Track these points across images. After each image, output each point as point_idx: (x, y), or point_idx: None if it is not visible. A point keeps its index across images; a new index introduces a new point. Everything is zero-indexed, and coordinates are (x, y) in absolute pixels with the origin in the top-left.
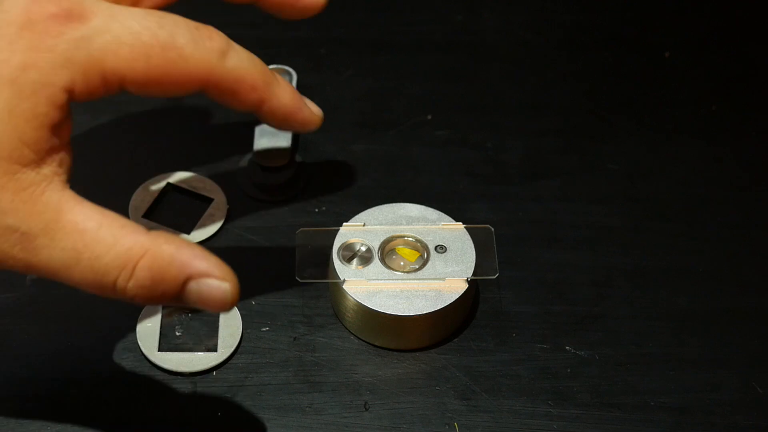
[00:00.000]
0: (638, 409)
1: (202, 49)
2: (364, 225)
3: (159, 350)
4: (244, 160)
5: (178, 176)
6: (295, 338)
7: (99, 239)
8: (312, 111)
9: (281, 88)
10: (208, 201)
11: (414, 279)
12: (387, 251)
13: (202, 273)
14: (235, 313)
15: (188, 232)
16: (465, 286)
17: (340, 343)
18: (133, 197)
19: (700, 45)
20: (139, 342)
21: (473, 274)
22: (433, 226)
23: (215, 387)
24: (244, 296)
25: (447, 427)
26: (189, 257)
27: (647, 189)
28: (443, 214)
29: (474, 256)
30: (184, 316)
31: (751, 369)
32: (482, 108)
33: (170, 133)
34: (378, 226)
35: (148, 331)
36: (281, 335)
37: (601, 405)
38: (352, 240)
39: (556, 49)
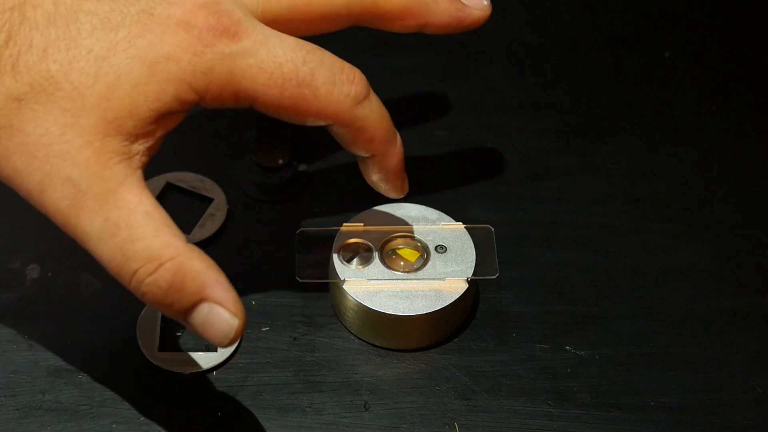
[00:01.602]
0: (638, 409)
1: (338, 93)
2: (364, 225)
3: (159, 350)
4: (244, 160)
5: (178, 176)
6: (295, 338)
7: (141, 225)
8: (403, 184)
9: (395, 148)
10: (208, 201)
11: (414, 279)
12: (387, 251)
13: (219, 300)
14: None
15: (188, 232)
16: (465, 286)
17: (340, 343)
18: None
19: (700, 45)
20: (139, 342)
21: (473, 274)
22: (433, 226)
23: (215, 387)
24: (244, 296)
25: (447, 427)
26: (214, 281)
27: (647, 189)
28: (443, 214)
29: (474, 256)
30: None
31: (751, 369)
32: (482, 108)
33: (170, 133)
34: (378, 226)
35: (148, 331)
36: (281, 335)
37: (601, 405)
38: (352, 240)
39: (556, 49)
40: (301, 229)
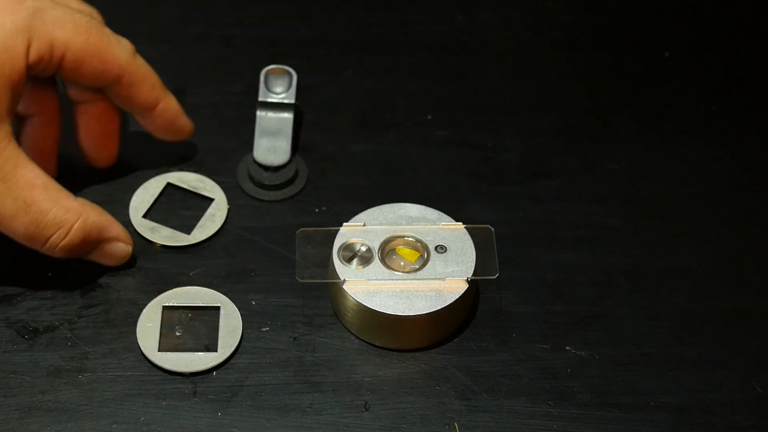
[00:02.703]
0: (638, 409)
1: (122, 43)
2: (364, 225)
3: (159, 350)
4: (244, 160)
5: (178, 176)
6: (295, 338)
7: (45, 197)
8: (188, 120)
9: (170, 94)
10: (209, 201)
11: (414, 279)
12: (387, 251)
13: (115, 237)
14: (235, 313)
15: (188, 232)
16: (465, 286)
17: (340, 343)
18: (134, 197)
19: (700, 45)
20: (139, 342)
21: (473, 274)
22: (433, 226)
23: (215, 387)
24: (244, 296)
25: (447, 427)
26: (108, 224)
27: (647, 189)
28: (443, 214)
29: (474, 256)
30: (184, 316)
31: (751, 369)
32: (482, 108)
33: None
34: (378, 226)
35: (148, 331)
36: (281, 335)
37: (601, 405)
38: (352, 240)
39: (556, 49)
40: (301, 229)
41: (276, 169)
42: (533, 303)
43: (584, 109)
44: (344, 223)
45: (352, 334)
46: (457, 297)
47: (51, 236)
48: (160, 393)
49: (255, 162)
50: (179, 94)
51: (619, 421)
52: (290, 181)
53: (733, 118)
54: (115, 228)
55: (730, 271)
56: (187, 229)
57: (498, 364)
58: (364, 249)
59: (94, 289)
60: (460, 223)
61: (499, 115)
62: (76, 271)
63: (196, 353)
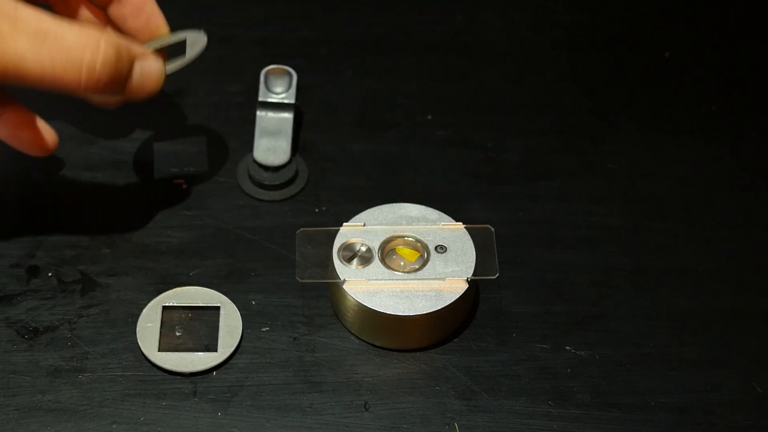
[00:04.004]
0: (638, 409)
1: None
2: (364, 225)
3: (159, 350)
4: (244, 160)
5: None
6: (295, 338)
7: (56, 24)
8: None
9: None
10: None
11: (414, 279)
12: (387, 251)
13: (143, 54)
14: (235, 313)
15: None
16: (465, 286)
17: (340, 343)
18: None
19: (700, 45)
20: (139, 342)
21: (473, 274)
22: (433, 226)
23: (215, 387)
24: (244, 296)
25: (447, 427)
26: (129, 43)
27: (647, 189)
28: (443, 214)
29: (474, 256)
30: (184, 316)
31: (751, 369)
32: (482, 108)
33: (170, 134)
34: (378, 226)
35: (148, 331)
36: (281, 335)
37: (601, 405)
38: (352, 240)
39: (556, 49)
40: (302, 229)
41: (276, 169)
42: (533, 303)
43: (584, 109)
44: (344, 223)
45: (352, 334)
46: (457, 297)
47: (83, 58)
48: (160, 393)
49: (255, 162)
50: (179, 94)
51: (619, 421)
52: (290, 181)
53: (733, 118)
54: (138, 47)
55: (730, 271)
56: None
57: (498, 364)
58: (364, 249)
59: (94, 289)
60: (460, 223)
61: (499, 115)
62: (76, 270)
63: (196, 353)
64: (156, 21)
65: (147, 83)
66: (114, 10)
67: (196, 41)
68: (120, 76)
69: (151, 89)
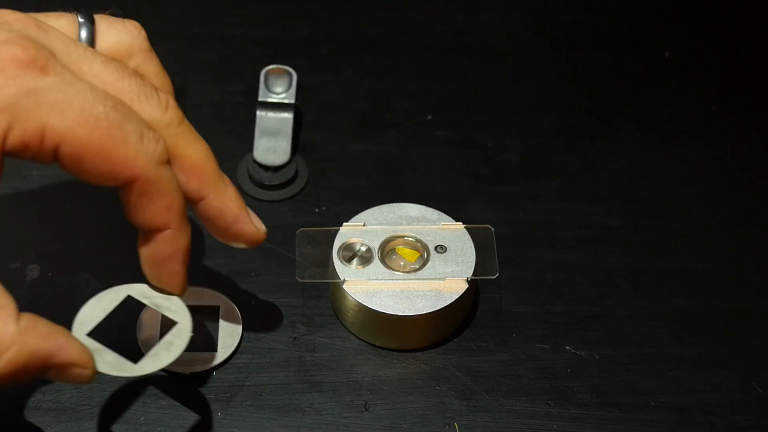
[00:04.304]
0: (638, 409)
1: (145, 146)
2: (364, 225)
3: None
4: (244, 160)
5: (141, 289)
6: (295, 338)
7: None
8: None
9: (188, 228)
10: (171, 324)
11: (414, 279)
12: (387, 251)
13: (66, 364)
14: (235, 313)
15: (135, 361)
16: (465, 286)
17: (340, 343)
18: (83, 309)
19: (700, 45)
20: (139, 342)
21: (473, 274)
22: (433, 226)
23: (215, 387)
24: (244, 296)
25: (447, 427)
26: (57, 348)
27: (647, 189)
28: (443, 214)
29: (474, 256)
30: None
31: (751, 369)
32: (482, 108)
33: None
34: (378, 226)
35: (148, 331)
36: (281, 335)
37: (601, 405)
38: (352, 240)
39: (556, 49)
40: (301, 228)
41: (276, 169)
42: (533, 303)
43: (584, 109)
44: (344, 223)
45: (352, 334)
46: (457, 297)
47: None
48: (159, 393)
49: (255, 162)
50: (179, 94)
51: (619, 421)
52: (290, 181)
53: (733, 118)
54: (68, 352)
55: (730, 271)
56: (136, 357)
57: (498, 364)
58: (364, 249)
59: (95, 289)
60: (460, 223)
61: (499, 115)
62: (76, 270)
63: (196, 353)
64: (172, 281)
65: (67, 381)
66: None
67: (173, 344)
68: (19, 381)
69: (72, 383)
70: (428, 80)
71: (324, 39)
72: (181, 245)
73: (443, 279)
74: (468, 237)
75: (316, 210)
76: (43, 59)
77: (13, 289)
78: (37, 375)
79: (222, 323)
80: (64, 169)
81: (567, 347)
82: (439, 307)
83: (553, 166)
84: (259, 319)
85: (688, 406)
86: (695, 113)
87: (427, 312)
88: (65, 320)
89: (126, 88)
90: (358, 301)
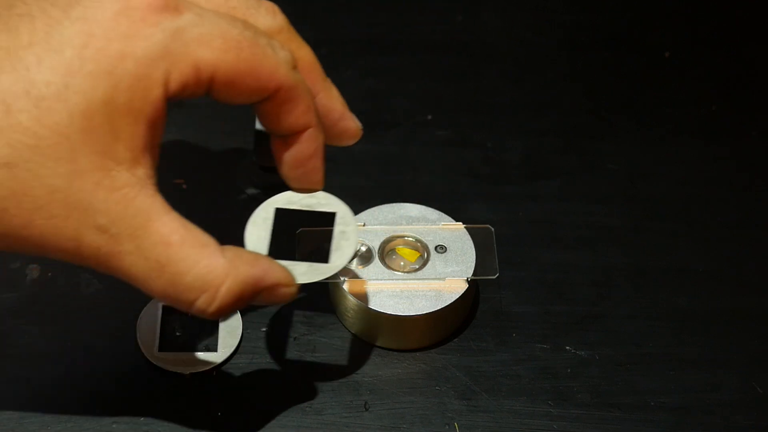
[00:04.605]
0: (638, 409)
1: (279, 55)
2: (364, 225)
3: (159, 350)
4: (244, 160)
5: (284, 198)
6: (295, 338)
7: (182, 256)
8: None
9: (321, 128)
10: (329, 216)
11: (414, 279)
12: (387, 251)
13: (273, 285)
14: (235, 313)
15: (325, 260)
16: (465, 286)
17: (340, 343)
18: (247, 236)
19: (700, 45)
20: (139, 342)
21: (473, 274)
22: (433, 226)
23: (215, 387)
24: None
25: (447, 427)
26: (263, 273)
27: (647, 189)
28: (443, 214)
29: (474, 256)
30: (184, 316)
31: (751, 369)
32: (482, 108)
33: (170, 135)
34: (378, 226)
35: (148, 331)
36: (281, 335)
37: (601, 405)
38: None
39: (556, 49)
40: (302, 228)
41: (276, 169)
42: (533, 303)
43: (584, 109)
44: None
45: (352, 334)
46: (457, 297)
47: (195, 301)
48: (159, 393)
49: (255, 162)
50: None
51: (619, 421)
52: None
53: (733, 118)
54: (273, 273)
55: (730, 271)
56: (322, 257)
57: (498, 364)
58: (364, 249)
59: (94, 289)
60: (460, 223)
61: (499, 115)
62: (76, 270)
63: (196, 353)
64: (315, 177)
65: (273, 303)
66: (283, 151)
67: (346, 232)
68: (235, 309)
69: (276, 303)
70: (428, 80)
71: (324, 39)
72: (320, 140)
73: (443, 279)
74: (468, 237)
75: None
76: (173, 0)
77: (13, 289)
78: (249, 302)
79: (222, 323)
80: (215, 97)
81: (567, 347)
82: (439, 307)
83: (553, 166)
84: (259, 319)
85: (688, 406)
86: (695, 113)
87: (427, 312)
88: (65, 320)
89: (236, 5)
90: (358, 301)
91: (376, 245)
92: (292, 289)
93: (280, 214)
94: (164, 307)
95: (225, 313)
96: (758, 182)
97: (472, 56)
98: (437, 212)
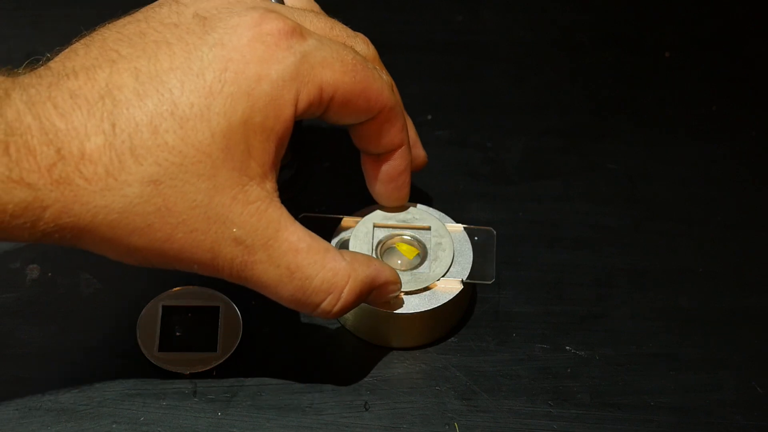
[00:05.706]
0: (638, 409)
1: (383, 78)
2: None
3: (159, 350)
4: None
5: (379, 216)
6: (295, 338)
7: (309, 261)
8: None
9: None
10: (424, 231)
11: (410, 278)
12: (385, 250)
13: (385, 283)
14: (235, 313)
15: (426, 269)
16: (459, 287)
17: (340, 343)
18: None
19: (700, 45)
20: (139, 342)
21: (468, 278)
22: (432, 226)
23: (215, 387)
24: (244, 296)
25: (447, 427)
26: (376, 274)
27: (647, 189)
28: (443, 214)
29: (471, 258)
30: (183, 316)
31: (751, 369)
32: (482, 108)
33: None
34: (377, 227)
35: (148, 331)
36: (281, 335)
37: (601, 405)
38: (350, 236)
39: (556, 49)
40: (304, 214)
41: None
42: (533, 303)
43: (584, 109)
44: (345, 217)
45: (352, 334)
46: (452, 297)
47: (321, 303)
48: (159, 393)
49: None
50: None
51: (619, 421)
52: (290, 181)
53: (733, 118)
54: (384, 273)
55: (730, 271)
56: (418, 265)
57: (498, 364)
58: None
59: (94, 289)
60: (460, 224)
61: (499, 115)
62: (75, 270)
63: (196, 353)
64: (404, 191)
65: (382, 300)
66: (374, 168)
67: (442, 243)
68: (351, 309)
69: (384, 300)
70: (428, 80)
71: None
72: (410, 158)
73: (439, 279)
74: (467, 239)
75: (316, 210)
76: (299, 26)
77: (13, 289)
78: (363, 300)
79: (222, 323)
80: (328, 117)
81: (567, 347)
82: (432, 307)
83: (553, 166)
84: (259, 319)
85: (688, 406)
86: (695, 113)
87: (421, 311)
88: (65, 320)
89: (339, 34)
90: None
91: (374, 244)
92: (399, 286)
93: (379, 228)
94: (164, 307)
95: (345, 312)
96: (758, 182)
97: (472, 56)
98: (437, 212)
